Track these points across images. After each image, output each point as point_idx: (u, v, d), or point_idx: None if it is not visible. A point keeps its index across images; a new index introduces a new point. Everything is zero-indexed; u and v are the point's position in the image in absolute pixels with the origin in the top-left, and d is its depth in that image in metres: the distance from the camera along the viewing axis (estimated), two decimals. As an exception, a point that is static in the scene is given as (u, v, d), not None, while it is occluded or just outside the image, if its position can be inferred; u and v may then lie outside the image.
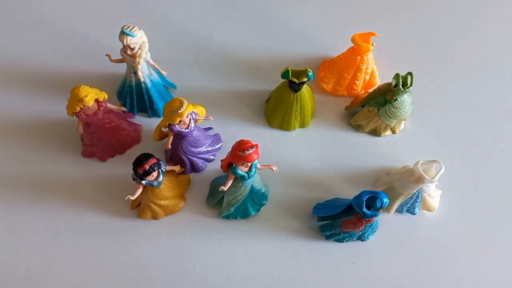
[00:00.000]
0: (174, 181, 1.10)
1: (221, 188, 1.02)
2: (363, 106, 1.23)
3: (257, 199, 1.12)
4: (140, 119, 1.25)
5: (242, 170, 1.00)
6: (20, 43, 1.38)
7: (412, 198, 1.10)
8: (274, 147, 1.23)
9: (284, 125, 1.24)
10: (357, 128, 1.26)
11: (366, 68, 1.25)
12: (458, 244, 1.12)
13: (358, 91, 1.29)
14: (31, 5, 1.45)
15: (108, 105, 1.12)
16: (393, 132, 1.25)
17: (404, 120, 1.23)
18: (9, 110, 1.25)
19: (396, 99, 1.15)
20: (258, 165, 1.03)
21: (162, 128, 1.10)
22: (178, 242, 1.10)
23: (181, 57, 1.36)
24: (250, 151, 0.95)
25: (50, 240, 1.09)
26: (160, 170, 1.01)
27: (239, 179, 1.02)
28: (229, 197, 1.08)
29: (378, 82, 1.30)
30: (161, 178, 1.02)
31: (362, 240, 1.11)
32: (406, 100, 1.16)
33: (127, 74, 1.19)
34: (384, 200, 0.95)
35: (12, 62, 1.34)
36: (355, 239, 1.10)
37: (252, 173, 1.01)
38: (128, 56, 1.12)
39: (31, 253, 1.08)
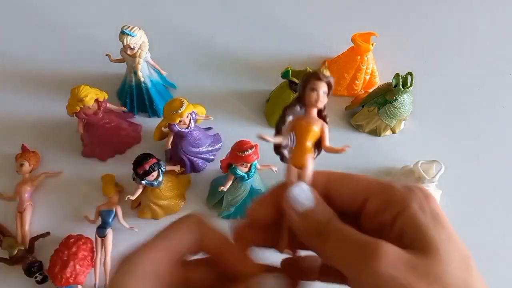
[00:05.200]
0: (174, 181, 1.10)
1: (221, 189, 1.02)
2: (363, 106, 1.23)
3: (257, 199, 1.12)
4: (140, 119, 1.25)
5: (241, 170, 1.00)
6: (20, 43, 1.37)
7: (412, 198, 1.10)
8: (274, 147, 1.22)
9: (284, 125, 1.24)
10: (357, 128, 1.26)
11: (366, 68, 1.25)
12: (458, 244, 1.12)
13: (358, 91, 1.29)
14: (31, 5, 1.45)
15: (108, 105, 1.12)
16: (393, 132, 1.25)
17: (404, 120, 1.23)
18: (9, 110, 1.25)
19: (396, 99, 1.15)
20: (258, 166, 1.03)
21: (162, 128, 1.10)
22: (178, 242, 1.10)
23: (181, 57, 1.36)
24: (250, 151, 0.95)
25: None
26: (160, 170, 1.01)
27: (239, 179, 1.02)
28: (229, 197, 1.08)
29: (378, 82, 1.30)
30: (161, 178, 1.02)
31: (362, 240, 1.11)
32: (406, 100, 1.16)
33: (127, 74, 1.19)
34: (384, 200, 0.95)
35: (12, 62, 1.34)
36: (355, 239, 1.10)
37: (251, 173, 1.01)
38: (128, 56, 1.12)
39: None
